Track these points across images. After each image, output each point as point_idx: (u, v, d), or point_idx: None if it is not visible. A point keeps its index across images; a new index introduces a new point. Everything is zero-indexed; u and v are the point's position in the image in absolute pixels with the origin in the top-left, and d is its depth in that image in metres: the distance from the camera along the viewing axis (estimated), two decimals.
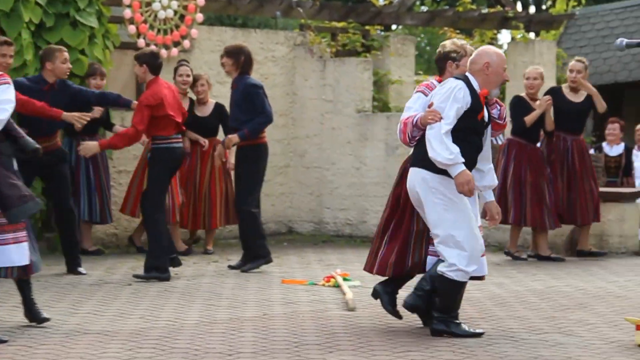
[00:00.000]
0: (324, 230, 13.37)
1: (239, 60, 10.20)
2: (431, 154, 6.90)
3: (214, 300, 8.40)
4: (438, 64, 7.51)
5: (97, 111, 10.61)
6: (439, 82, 7.34)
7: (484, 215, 7.41)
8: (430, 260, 7.20)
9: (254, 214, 10.11)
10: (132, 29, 12.40)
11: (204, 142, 11.46)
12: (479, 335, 6.96)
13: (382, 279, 7.55)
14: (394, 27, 23.62)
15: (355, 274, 9.76)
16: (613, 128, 13.75)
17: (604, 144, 13.85)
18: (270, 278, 9.69)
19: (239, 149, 10.22)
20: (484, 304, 8.29)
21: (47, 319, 7.30)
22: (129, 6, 12.44)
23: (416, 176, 7.06)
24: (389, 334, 7.05)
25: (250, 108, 10.09)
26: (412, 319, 7.55)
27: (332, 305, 8.20)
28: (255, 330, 7.10)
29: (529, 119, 11.04)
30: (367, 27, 14.77)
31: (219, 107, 11.64)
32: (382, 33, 14.99)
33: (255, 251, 10.09)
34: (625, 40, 6.41)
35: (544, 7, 31.01)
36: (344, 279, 9.19)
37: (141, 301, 8.32)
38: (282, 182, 13.60)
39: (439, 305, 7.00)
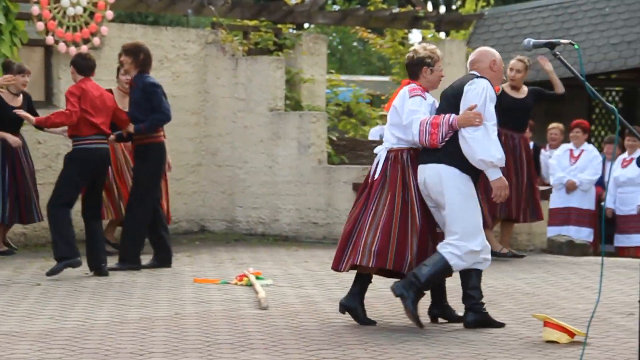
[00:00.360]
0: (237, 229, 13.34)
1: (138, 58, 10.18)
2: (481, 155, 7.22)
3: (125, 299, 8.33)
4: (411, 69, 7.70)
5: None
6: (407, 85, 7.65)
7: None
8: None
9: (149, 213, 10.17)
10: (40, 25, 12.22)
11: None
12: (503, 325, 7.31)
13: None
14: (306, 25, 23.65)
15: (268, 272, 9.76)
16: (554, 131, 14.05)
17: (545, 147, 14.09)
18: (182, 277, 9.64)
19: (136, 148, 10.25)
20: (396, 301, 8.33)
21: None
22: (37, 3, 12.25)
23: (445, 173, 7.30)
24: (301, 332, 7.06)
25: (148, 107, 10.11)
26: (327, 318, 7.58)
27: (245, 304, 8.19)
28: (167, 330, 7.06)
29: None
30: (279, 26, 14.77)
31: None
32: (294, 32, 15.01)
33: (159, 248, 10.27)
34: (532, 41, 6.49)
35: (453, 7, 31.33)
36: (257, 278, 9.18)
37: (50, 301, 8.21)
38: (195, 180, 13.54)
39: (477, 297, 7.36)
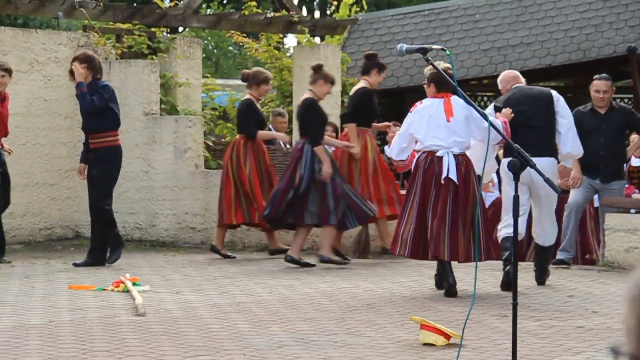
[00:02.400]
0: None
1: (94, 65, 10.78)
2: (581, 149, 9.46)
3: None
4: (442, 83, 8.88)
5: None
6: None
7: None
8: None
9: (110, 211, 10.85)
10: None
11: None
12: None
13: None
14: (180, 29, 23.50)
15: (145, 278, 9.65)
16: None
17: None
18: (57, 284, 9.46)
19: (93, 150, 10.77)
20: (275, 306, 8.35)
21: None
22: None
23: (552, 165, 9.25)
24: (179, 338, 7.00)
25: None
26: (205, 324, 7.53)
27: (122, 310, 8.08)
28: (41, 338, 6.92)
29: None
30: (153, 29, 14.63)
31: None
32: (168, 35, 14.89)
33: (116, 240, 10.83)
34: (405, 46, 6.57)
35: (328, 12, 31.52)
36: (134, 284, 9.07)
37: None
38: (69, 185, 13.31)
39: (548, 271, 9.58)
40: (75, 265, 10.69)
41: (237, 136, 11.90)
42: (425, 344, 6.85)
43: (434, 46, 6.68)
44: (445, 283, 8.85)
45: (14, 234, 12.40)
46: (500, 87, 9.99)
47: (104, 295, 8.82)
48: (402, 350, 6.72)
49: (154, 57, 14.12)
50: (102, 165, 10.78)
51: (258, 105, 11.99)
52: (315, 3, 36.20)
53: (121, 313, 7.96)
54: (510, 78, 9.88)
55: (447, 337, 6.87)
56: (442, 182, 8.76)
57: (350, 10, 17.60)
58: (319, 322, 7.61)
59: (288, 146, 14.71)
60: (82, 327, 7.34)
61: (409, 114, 9.14)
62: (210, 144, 13.66)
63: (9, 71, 11.21)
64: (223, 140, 14.64)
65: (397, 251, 8.99)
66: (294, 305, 8.39)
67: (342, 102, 15.87)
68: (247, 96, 11.87)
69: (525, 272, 9.73)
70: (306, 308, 8.24)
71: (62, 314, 7.88)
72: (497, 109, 9.50)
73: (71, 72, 10.92)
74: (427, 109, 8.98)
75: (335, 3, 18.36)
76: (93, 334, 7.08)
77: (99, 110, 10.73)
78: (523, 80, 9.91)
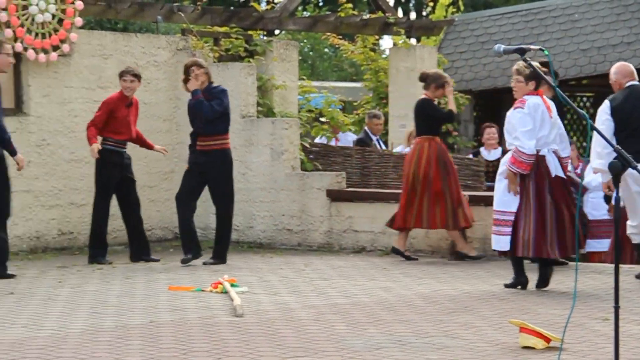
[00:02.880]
0: (211, 236, 13.23)
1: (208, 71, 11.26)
2: None
3: (99, 307, 8.27)
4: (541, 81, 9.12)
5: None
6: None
7: None
8: None
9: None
10: (8, 32, 12.14)
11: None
12: None
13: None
14: (276, 32, 23.64)
15: (243, 279, 9.73)
16: (491, 132, 13.95)
17: (482, 149, 14.05)
18: (157, 285, 9.58)
19: (206, 153, 11.15)
20: (372, 308, 8.34)
21: None
22: (5, 9, 12.18)
23: None
24: (277, 339, 7.03)
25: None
26: (302, 325, 7.55)
27: (220, 311, 8.15)
28: (142, 338, 7.01)
29: None
30: (249, 32, 14.74)
31: None
32: (265, 38, 14.98)
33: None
34: (502, 47, 6.51)
35: (424, 13, 31.42)
36: (232, 285, 9.14)
37: (24, 310, 8.14)
38: (168, 187, 13.47)
39: None
40: (205, 263, 11.11)
41: (417, 138, 11.61)
42: (524, 347, 6.78)
43: (532, 46, 6.61)
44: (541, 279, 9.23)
45: (115, 235, 12.59)
46: (612, 79, 9.86)
47: (203, 296, 8.91)
48: (501, 353, 6.66)
49: (250, 59, 14.22)
50: (221, 167, 11.12)
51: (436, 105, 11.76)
52: (411, 4, 36.11)
53: (220, 314, 8.03)
54: (627, 73, 9.75)
55: (547, 340, 6.78)
56: (552, 179, 9.02)
57: (446, 11, 17.52)
58: (417, 325, 7.58)
59: (384, 147, 14.69)
60: (181, 328, 7.42)
61: (518, 110, 9.11)
62: (307, 145, 13.70)
63: (137, 76, 11.43)
64: (319, 141, 14.65)
65: (521, 253, 9.04)
66: (391, 307, 8.37)
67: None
68: (423, 96, 11.68)
69: (625, 275, 9.58)
70: (403, 310, 8.22)
71: (162, 315, 7.98)
72: (614, 112, 9.50)
73: (185, 81, 11.14)
74: (537, 106, 9.11)
75: (432, 4, 18.29)
76: (192, 335, 7.16)
77: (219, 115, 11.04)
78: (636, 77, 9.80)
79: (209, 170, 11.12)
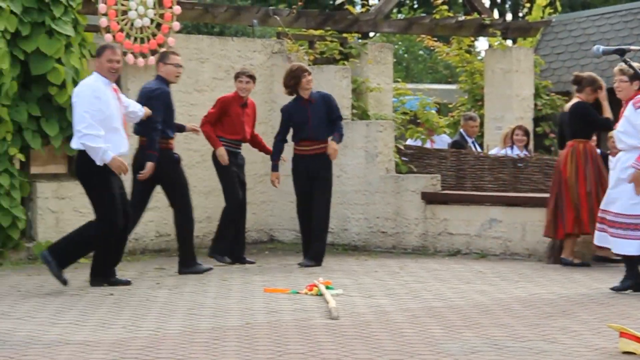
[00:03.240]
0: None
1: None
2: None
3: (196, 309, 8.35)
4: None
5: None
6: None
7: None
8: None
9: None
10: (108, 37, 12.34)
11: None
12: None
13: None
14: (371, 34, 23.64)
15: (338, 282, 9.74)
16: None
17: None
18: (253, 287, 9.65)
19: (312, 157, 11.26)
20: (467, 311, 8.28)
21: None
22: (105, 15, 12.38)
23: None
24: (372, 342, 7.02)
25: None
26: (398, 328, 7.53)
27: (315, 313, 8.17)
28: (238, 340, 7.06)
29: None
30: (344, 35, 14.76)
31: None
32: (360, 41, 14.99)
33: None
34: (601, 48, 6.42)
35: (520, 14, 31.13)
36: (327, 287, 9.16)
37: (123, 311, 8.26)
38: (263, 190, 13.56)
39: None
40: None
41: (571, 141, 11.33)
42: (625, 353, 6.66)
43: (632, 47, 6.52)
44: None
45: (212, 237, 12.69)
46: None
47: (298, 299, 8.94)
48: (601, 358, 6.55)
49: (345, 62, 14.24)
50: (327, 170, 11.29)
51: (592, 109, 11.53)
52: (507, 5, 35.81)
53: (315, 316, 8.05)
54: None
55: None
56: None
57: (543, 12, 17.32)
58: (513, 328, 7.50)
59: (480, 149, 14.59)
60: (277, 330, 7.45)
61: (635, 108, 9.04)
62: (402, 147, 13.67)
63: (253, 78, 11.57)
64: (413, 144, 14.60)
65: None
66: (487, 310, 8.31)
67: (535, 105, 15.64)
68: (575, 99, 11.45)
69: None
70: (500, 314, 8.14)
71: (258, 316, 8.03)
72: None
73: (294, 85, 11.27)
74: None
75: (528, 5, 18.10)
76: (288, 337, 7.18)
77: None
78: None
79: (317, 174, 11.21)
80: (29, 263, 11.21)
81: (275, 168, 11.42)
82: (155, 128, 10.26)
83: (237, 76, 11.54)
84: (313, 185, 11.26)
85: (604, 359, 6.53)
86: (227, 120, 11.39)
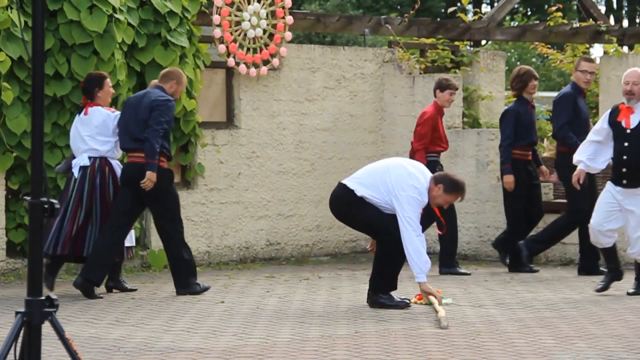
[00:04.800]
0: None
1: None
2: None
3: (305, 317, 8.39)
4: None
5: None
6: None
7: None
8: None
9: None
10: (222, 48, 12.50)
11: None
12: None
13: None
14: (483, 42, 23.48)
15: (447, 291, 9.68)
16: None
17: None
18: (362, 296, 9.62)
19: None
20: (580, 321, 8.16)
21: None
22: (219, 26, 12.54)
23: None
24: (483, 352, 6.97)
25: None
26: (508, 338, 7.45)
27: (425, 323, 8.14)
28: (348, 348, 7.07)
29: None
30: (456, 43, 14.69)
31: None
32: (472, 49, 14.90)
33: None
34: None
35: (638, 20, 30.58)
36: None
37: (233, 319, 8.35)
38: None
39: None
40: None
41: None
42: None
43: None
44: None
45: (321, 246, 12.77)
46: None
47: (407, 308, 8.91)
48: None
49: (457, 70, 14.17)
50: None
51: None
52: (624, 11, 35.23)
53: (424, 325, 8.02)
54: None
55: None
56: None
57: None
58: (627, 340, 7.37)
59: None
60: (386, 339, 7.45)
61: None
62: None
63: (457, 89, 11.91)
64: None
65: None
66: (600, 321, 8.17)
67: None
68: None
69: None
70: (613, 324, 8.00)
71: (367, 325, 8.03)
72: None
73: (522, 89, 11.60)
74: None
75: None
76: (397, 346, 7.17)
77: None
78: None
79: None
80: (142, 271, 11.40)
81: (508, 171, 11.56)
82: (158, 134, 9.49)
83: (447, 87, 11.53)
84: None
85: None
86: (435, 135, 11.47)
